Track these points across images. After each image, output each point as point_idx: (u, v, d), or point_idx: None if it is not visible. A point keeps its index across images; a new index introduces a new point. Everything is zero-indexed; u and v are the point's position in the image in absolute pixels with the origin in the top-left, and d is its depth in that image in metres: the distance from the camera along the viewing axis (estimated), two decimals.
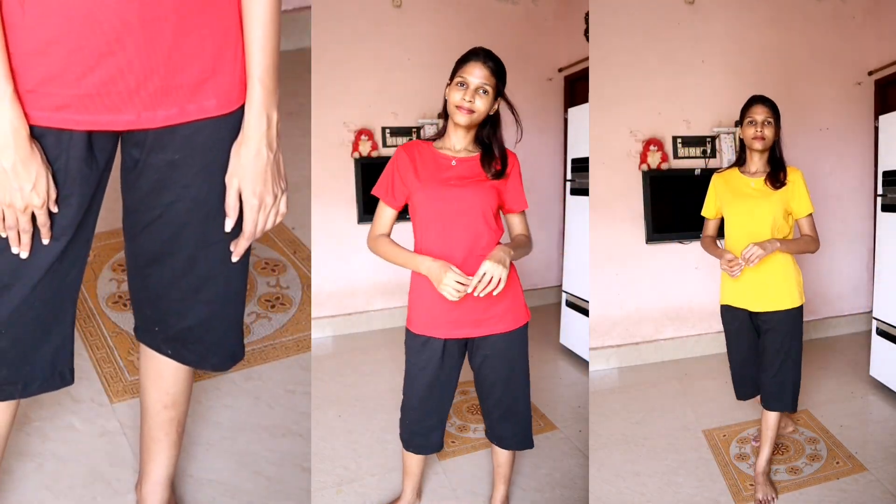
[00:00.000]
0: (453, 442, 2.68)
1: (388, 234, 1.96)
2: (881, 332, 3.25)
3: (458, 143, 1.93)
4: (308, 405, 2.34)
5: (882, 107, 3.92)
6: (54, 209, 1.39)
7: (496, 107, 1.91)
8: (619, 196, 3.71)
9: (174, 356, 1.71)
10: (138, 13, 1.29)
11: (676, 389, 3.36)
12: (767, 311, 2.40)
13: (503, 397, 2.04)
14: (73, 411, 2.21)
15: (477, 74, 1.84)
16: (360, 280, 4.04)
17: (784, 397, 2.41)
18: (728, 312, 2.51)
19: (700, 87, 3.76)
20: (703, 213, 2.58)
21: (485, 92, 1.85)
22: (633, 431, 2.95)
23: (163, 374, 1.77)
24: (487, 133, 1.92)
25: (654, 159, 3.70)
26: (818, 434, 2.83)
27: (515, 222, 2.01)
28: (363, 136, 3.99)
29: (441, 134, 1.96)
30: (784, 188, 2.37)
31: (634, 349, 3.73)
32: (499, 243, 1.90)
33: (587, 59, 3.68)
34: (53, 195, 1.37)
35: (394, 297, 3.99)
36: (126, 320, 2.53)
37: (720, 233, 2.54)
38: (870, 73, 4.00)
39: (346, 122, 3.99)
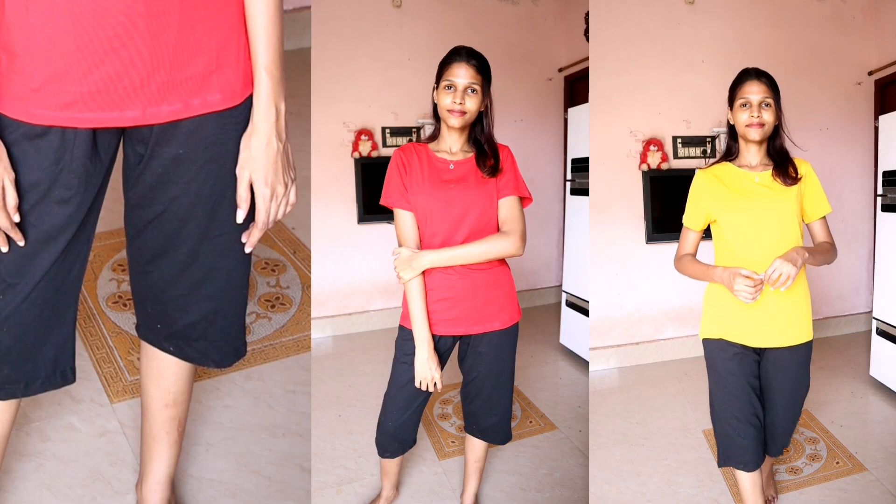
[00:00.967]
0: (453, 442, 2.68)
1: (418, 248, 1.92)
2: (881, 332, 3.25)
3: (454, 144, 1.93)
4: (308, 405, 2.34)
5: (882, 107, 3.92)
6: (15, 218, 1.38)
7: (486, 102, 1.90)
8: (619, 196, 3.71)
9: (176, 353, 1.71)
10: (144, 8, 1.29)
11: (676, 389, 3.36)
12: (778, 348, 1.93)
13: (492, 393, 2.05)
14: (73, 411, 2.21)
15: (463, 75, 1.84)
16: (360, 280, 4.04)
17: (784, 444, 2.12)
18: (722, 352, 1.95)
19: (700, 87, 3.76)
20: (687, 222, 2.02)
21: (473, 91, 1.85)
22: (633, 431, 2.95)
23: (164, 372, 1.77)
24: (478, 131, 1.93)
25: (654, 159, 3.70)
26: (818, 434, 2.83)
27: (504, 206, 1.92)
28: (363, 136, 3.99)
29: (435, 136, 1.96)
30: (798, 184, 1.92)
31: (634, 349, 3.73)
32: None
33: (587, 59, 3.68)
34: (13, 203, 1.36)
35: (394, 297, 3.99)
36: (126, 320, 2.54)
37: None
38: (870, 73, 4.00)
39: (346, 122, 3.99)
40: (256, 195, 1.48)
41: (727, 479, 2.54)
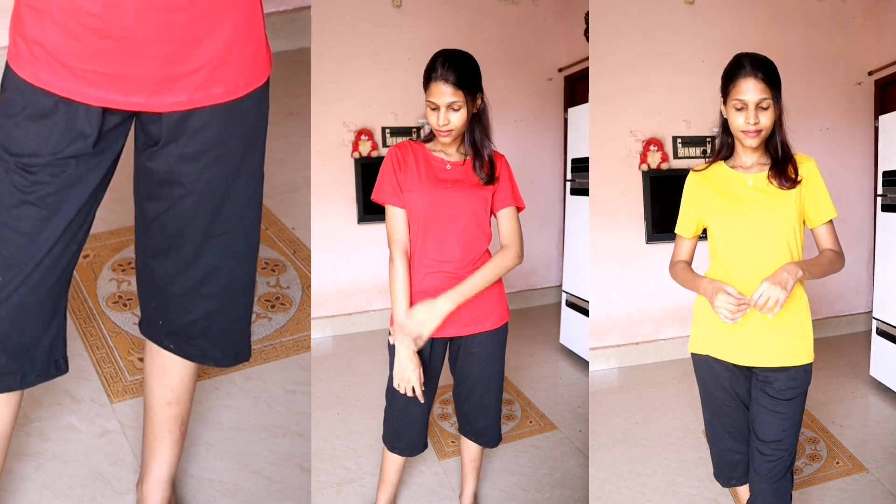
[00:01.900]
0: (453, 442, 2.68)
1: (407, 248, 1.92)
2: (881, 332, 3.25)
3: (450, 148, 1.93)
4: (308, 405, 2.34)
5: (882, 107, 3.92)
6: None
7: (478, 103, 1.87)
8: (619, 196, 3.71)
9: (176, 351, 1.72)
10: (153, 4, 1.33)
11: (676, 389, 3.36)
12: (773, 368, 1.70)
13: (484, 394, 2.05)
14: (73, 411, 2.21)
15: (442, 94, 1.80)
16: (360, 280, 4.04)
17: (781, 472, 1.76)
18: (710, 368, 1.78)
19: (700, 87, 3.75)
20: (680, 230, 1.86)
21: (456, 109, 1.82)
22: (633, 431, 2.95)
23: (168, 370, 1.78)
24: (473, 135, 1.90)
25: (654, 159, 3.70)
26: (818, 434, 2.83)
27: (504, 219, 1.94)
28: (363, 136, 3.99)
29: (431, 137, 1.95)
30: (798, 187, 1.70)
31: (634, 349, 3.73)
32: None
33: (587, 59, 3.68)
34: None
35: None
36: (126, 320, 2.53)
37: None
38: (870, 73, 4.00)
39: (346, 122, 3.99)
40: None
41: (734, 490, 2.54)
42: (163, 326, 1.69)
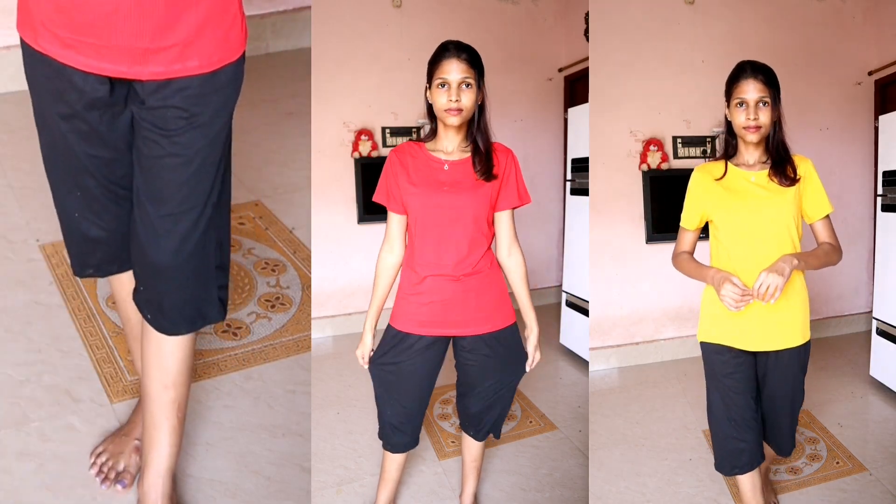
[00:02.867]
0: (453, 442, 2.68)
1: (399, 247, 1.98)
2: (881, 332, 3.25)
3: (450, 144, 1.89)
4: (308, 405, 2.34)
5: (882, 107, 3.92)
6: None
7: (481, 97, 1.86)
8: (619, 196, 3.71)
9: (152, 321, 1.77)
10: None
11: (676, 389, 3.36)
12: (775, 350, 1.90)
13: (486, 393, 2.05)
14: (73, 411, 2.21)
15: (455, 70, 1.80)
16: (360, 280, 4.03)
17: (788, 445, 2.08)
18: (718, 355, 1.92)
19: (700, 87, 3.76)
20: (684, 222, 1.98)
21: (468, 86, 1.80)
22: (633, 431, 2.95)
23: (163, 349, 1.81)
24: (475, 129, 1.87)
25: (654, 159, 3.70)
26: (818, 434, 2.83)
27: (503, 220, 1.94)
28: (363, 136, 3.99)
29: (432, 135, 1.93)
30: (797, 184, 1.85)
31: (634, 349, 3.73)
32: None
33: (587, 59, 3.68)
34: None
35: (393, 296, 3.98)
36: None
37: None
38: (870, 73, 4.00)
39: (346, 122, 3.99)
40: None
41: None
42: (143, 292, 1.77)
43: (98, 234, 1.76)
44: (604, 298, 3.65)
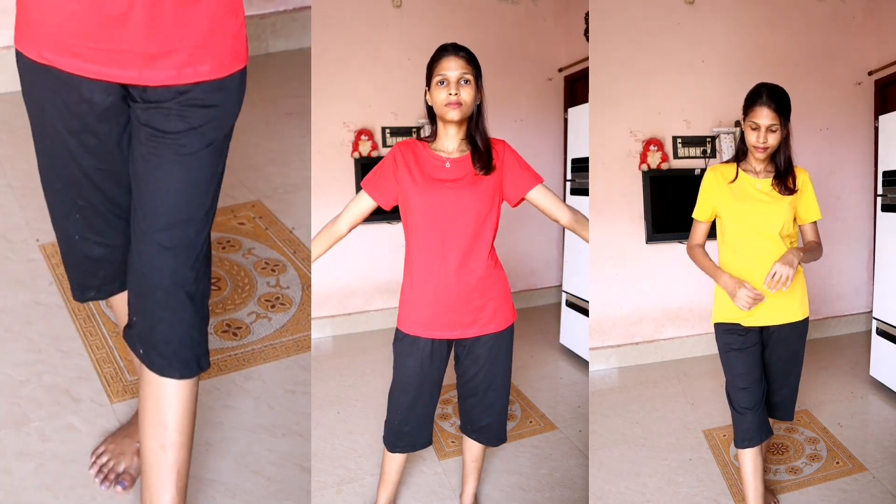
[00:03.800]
0: (453, 442, 2.68)
1: (346, 226, 2.02)
2: (881, 332, 3.25)
3: (451, 143, 1.91)
4: (308, 405, 2.34)
5: (882, 107, 3.92)
6: None
7: (480, 96, 1.89)
8: (619, 196, 3.71)
9: (143, 357, 1.66)
10: None
11: (676, 389, 3.36)
12: (777, 325, 2.17)
13: (487, 394, 2.04)
14: (73, 411, 2.21)
15: (454, 67, 1.84)
16: (359, 280, 4.04)
17: (790, 409, 2.31)
18: (730, 332, 2.19)
19: (700, 87, 3.76)
20: (697, 215, 2.24)
21: (466, 82, 1.84)
22: (633, 431, 2.95)
23: (160, 397, 1.67)
24: (473, 127, 1.90)
25: (654, 159, 3.70)
26: (818, 434, 2.83)
27: (537, 198, 1.96)
28: (363, 136, 3.99)
29: (434, 136, 1.95)
30: (795, 194, 2.14)
31: (634, 349, 3.73)
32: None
33: (587, 59, 3.68)
34: None
35: (394, 297, 3.96)
36: None
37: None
38: (870, 73, 4.00)
39: (346, 122, 3.99)
40: None
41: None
42: (135, 325, 1.67)
43: (101, 252, 1.73)
44: (604, 298, 3.65)
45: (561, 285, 3.78)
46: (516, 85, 4.20)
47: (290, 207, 3.08)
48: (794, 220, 2.17)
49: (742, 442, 2.17)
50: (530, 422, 2.87)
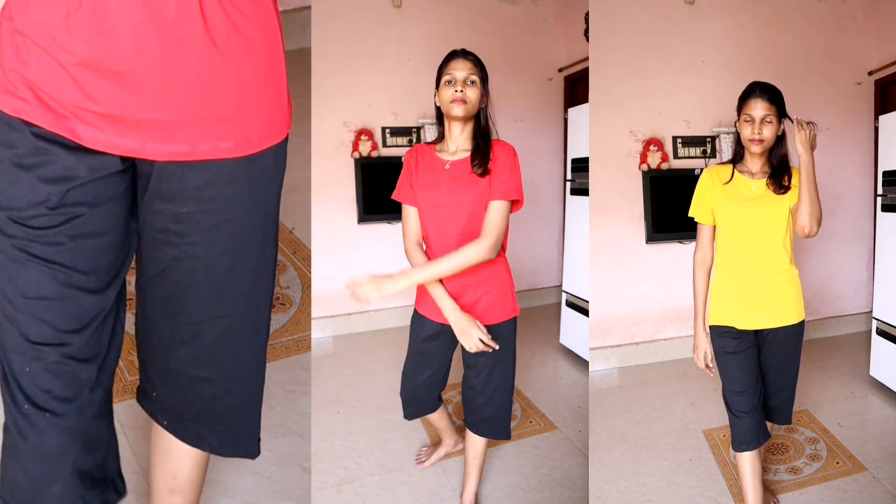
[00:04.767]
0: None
1: (419, 240, 2.07)
2: (881, 332, 3.25)
3: (454, 143, 2.01)
4: (308, 405, 2.34)
5: (882, 107, 3.92)
6: None
7: (486, 100, 2.00)
8: (619, 196, 3.71)
9: (170, 429, 1.51)
10: (157, 32, 1.14)
11: (676, 389, 3.36)
12: (773, 328, 2.15)
13: (487, 386, 2.09)
14: None
15: (461, 68, 1.96)
16: None
17: (788, 413, 2.29)
18: (725, 334, 2.16)
19: (700, 87, 3.75)
20: (697, 216, 2.20)
21: (472, 82, 1.95)
22: (633, 431, 2.95)
23: (170, 453, 1.54)
24: (477, 128, 2.00)
25: (654, 159, 3.70)
26: (818, 434, 2.83)
27: (489, 209, 1.94)
28: (363, 136, 3.99)
29: (441, 138, 2.05)
30: (790, 192, 2.09)
31: (634, 349, 3.73)
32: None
33: (587, 59, 3.68)
34: None
35: (393, 296, 3.99)
36: (126, 320, 2.53)
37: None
38: (870, 73, 4.00)
39: (346, 122, 3.99)
40: None
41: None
42: (156, 399, 1.49)
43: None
44: (604, 298, 3.65)
45: (561, 285, 3.78)
46: (516, 85, 4.20)
47: (290, 207, 3.08)
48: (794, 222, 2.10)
49: (740, 445, 2.16)
50: (530, 422, 2.87)
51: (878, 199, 3.31)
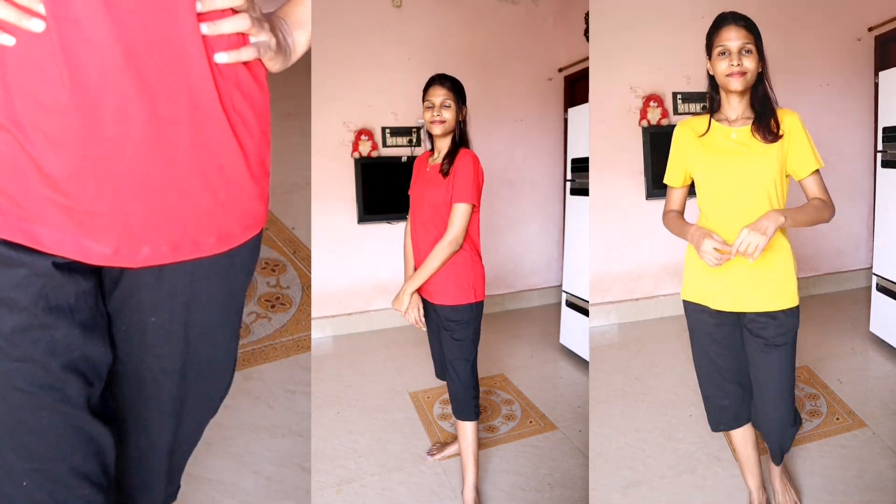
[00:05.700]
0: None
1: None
2: (881, 288, 3.20)
3: (437, 151, 2.26)
4: (308, 405, 2.34)
5: (882, 63, 3.88)
6: None
7: (464, 114, 2.25)
8: (620, 152, 3.69)
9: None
10: (141, 113, 0.98)
11: (676, 345, 3.33)
12: (761, 312, 1.77)
13: (452, 364, 2.22)
14: None
15: (437, 94, 2.22)
16: (360, 280, 4.04)
17: (777, 441, 1.94)
18: (699, 314, 1.85)
19: (700, 42, 3.69)
20: (667, 179, 1.91)
21: (447, 106, 2.21)
22: (633, 388, 2.94)
23: None
24: (456, 139, 2.24)
25: (654, 115, 3.68)
26: (818, 390, 2.81)
27: (452, 211, 2.18)
28: (363, 136, 3.99)
29: (432, 147, 2.31)
30: (780, 140, 1.73)
31: (634, 305, 3.72)
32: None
33: (587, 59, 3.68)
34: None
35: (393, 296, 3.99)
36: None
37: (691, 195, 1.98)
38: (870, 29, 3.96)
39: (346, 122, 3.99)
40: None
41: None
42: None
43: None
44: (604, 254, 3.64)
45: (561, 285, 3.77)
46: (516, 85, 4.20)
47: (290, 207, 3.08)
48: (787, 175, 1.78)
49: (716, 425, 1.95)
50: (530, 422, 2.87)
51: (879, 154, 3.27)
